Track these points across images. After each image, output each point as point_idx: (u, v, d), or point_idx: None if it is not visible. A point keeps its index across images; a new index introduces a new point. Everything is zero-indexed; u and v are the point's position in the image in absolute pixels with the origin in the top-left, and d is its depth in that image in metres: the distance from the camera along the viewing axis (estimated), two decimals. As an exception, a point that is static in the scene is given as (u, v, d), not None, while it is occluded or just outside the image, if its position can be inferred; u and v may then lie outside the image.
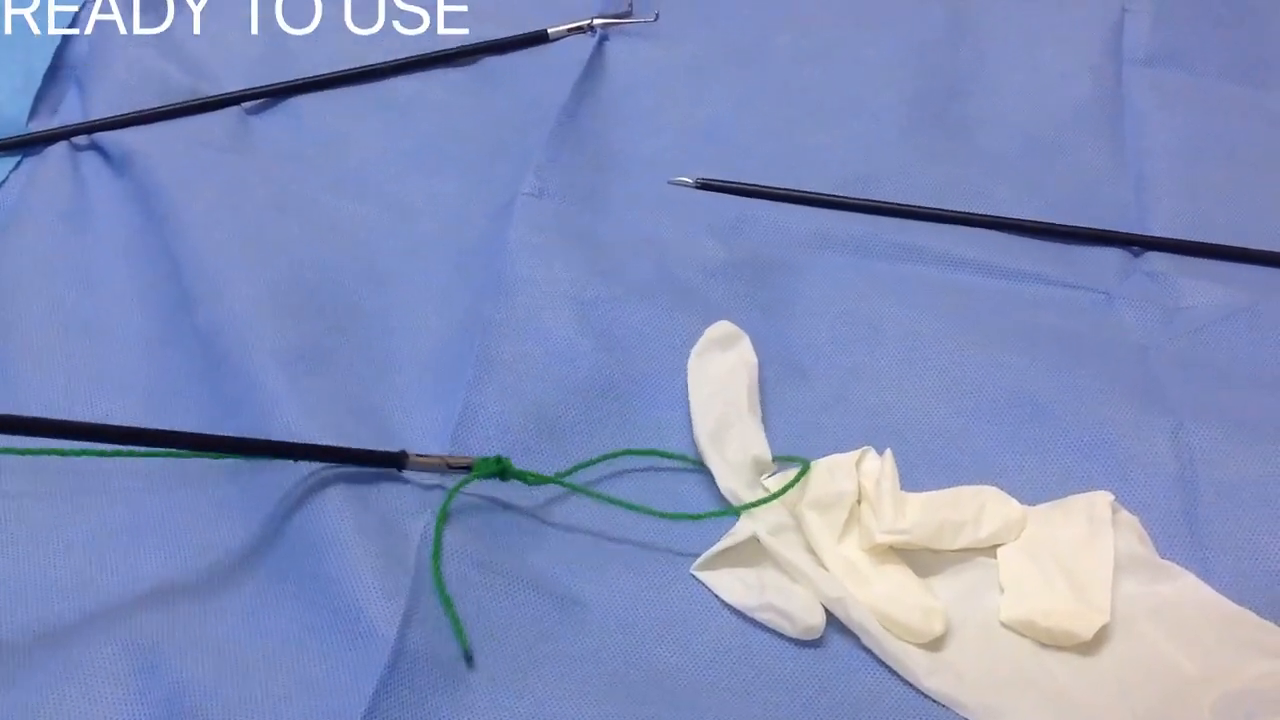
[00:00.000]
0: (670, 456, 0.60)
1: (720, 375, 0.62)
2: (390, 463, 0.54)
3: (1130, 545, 0.56)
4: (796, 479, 0.57)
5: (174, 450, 0.53)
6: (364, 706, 0.47)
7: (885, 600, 0.53)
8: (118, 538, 0.55)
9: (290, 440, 0.55)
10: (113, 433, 0.50)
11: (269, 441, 0.54)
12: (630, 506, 0.56)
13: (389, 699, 0.47)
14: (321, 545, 0.52)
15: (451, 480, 0.56)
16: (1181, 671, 0.52)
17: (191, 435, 0.52)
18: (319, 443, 0.55)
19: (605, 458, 0.58)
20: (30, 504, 0.56)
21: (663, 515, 0.56)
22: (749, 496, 0.57)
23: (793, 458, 0.59)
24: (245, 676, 0.49)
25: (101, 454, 0.52)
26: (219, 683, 0.48)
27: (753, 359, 0.63)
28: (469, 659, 0.50)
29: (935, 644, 0.53)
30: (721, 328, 0.63)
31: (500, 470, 0.55)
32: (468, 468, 0.55)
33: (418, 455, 0.55)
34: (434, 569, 0.51)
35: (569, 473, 0.57)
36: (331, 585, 0.51)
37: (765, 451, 0.59)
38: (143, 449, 0.51)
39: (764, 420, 0.61)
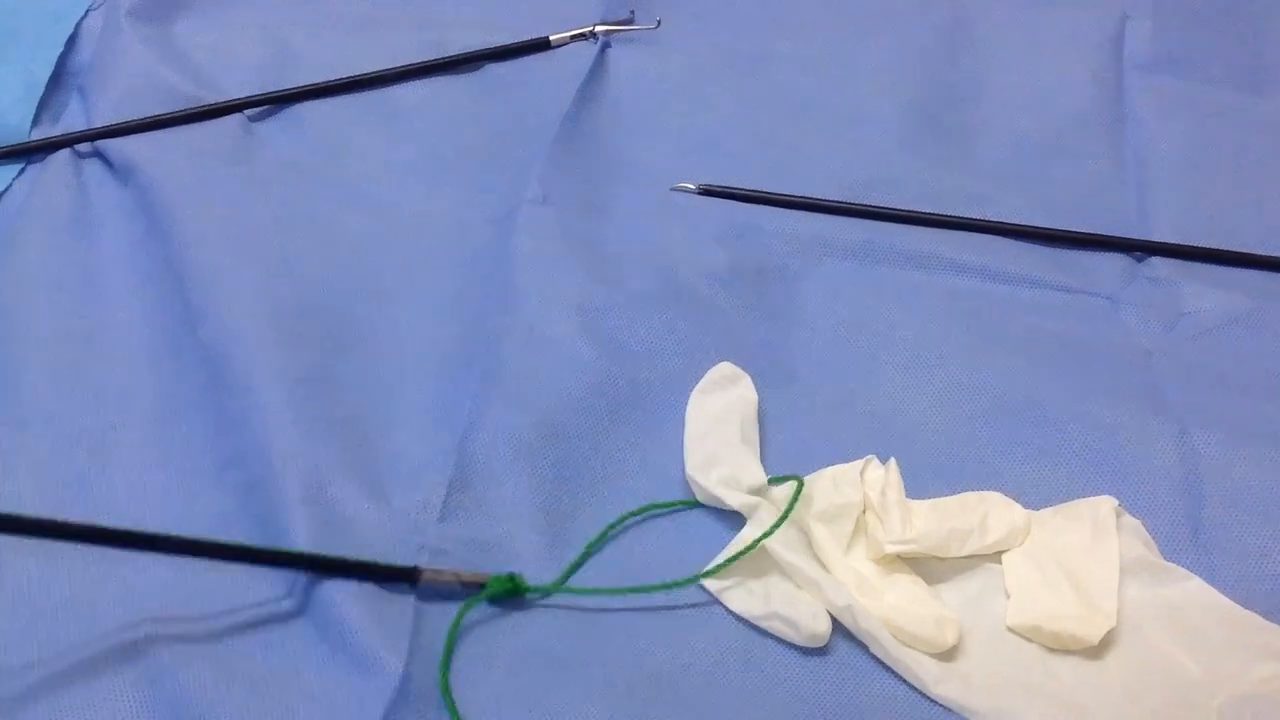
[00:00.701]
0: (668, 506, 0.59)
1: (716, 413, 0.61)
2: (404, 578, 0.53)
3: (1135, 549, 0.56)
4: (794, 497, 0.57)
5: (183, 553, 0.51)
6: (375, 722, 0.47)
7: (897, 611, 0.53)
8: (121, 552, 0.55)
9: (288, 456, 0.56)
10: (118, 536, 0.49)
11: (282, 551, 0.53)
12: (644, 589, 0.55)
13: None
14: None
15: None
16: (1188, 675, 0.52)
17: (198, 542, 0.51)
18: (323, 459, 0.55)
19: (604, 536, 0.57)
20: (33, 513, 0.56)
21: (667, 587, 0.55)
22: (754, 504, 0.57)
23: (787, 477, 0.58)
24: (251, 690, 0.49)
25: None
26: (224, 696, 0.48)
27: (752, 397, 0.62)
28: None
29: (944, 652, 0.53)
30: (724, 369, 0.63)
31: (512, 588, 0.53)
32: (481, 585, 0.53)
33: (431, 570, 0.53)
34: (442, 673, 0.50)
35: (572, 571, 0.55)
36: (338, 608, 0.51)
37: (758, 477, 0.58)
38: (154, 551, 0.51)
39: (764, 431, 0.61)
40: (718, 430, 0.60)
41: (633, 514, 0.58)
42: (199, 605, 0.52)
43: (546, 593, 0.54)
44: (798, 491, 0.57)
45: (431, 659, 0.50)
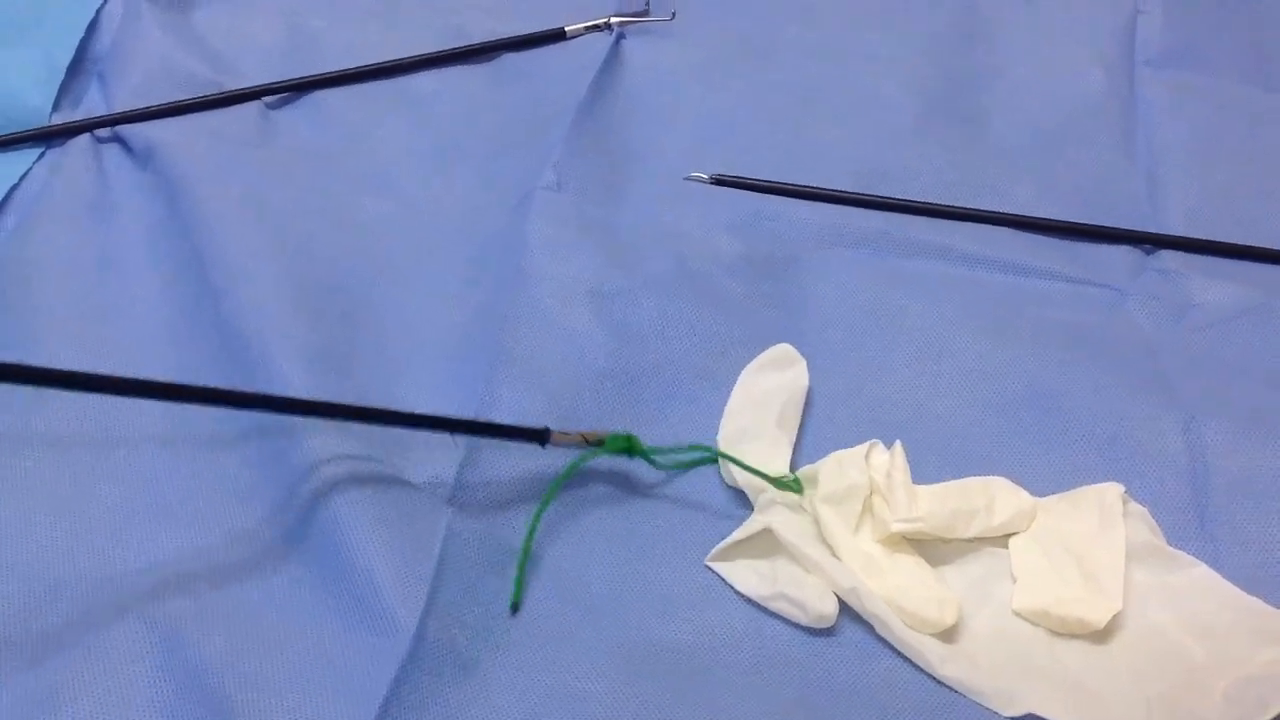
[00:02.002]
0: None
1: (760, 393, 0.62)
2: (534, 438, 0.56)
3: (1141, 535, 0.56)
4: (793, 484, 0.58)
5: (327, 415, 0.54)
6: (386, 688, 0.48)
7: (899, 591, 0.54)
8: (140, 518, 0.56)
9: (304, 430, 0.56)
10: (239, 398, 0.50)
11: (420, 415, 0.55)
12: (747, 467, 0.58)
13: (410, 682, 0.48)
14: (342, 533, 0.53)
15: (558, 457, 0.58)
16: (1193, 658, 0.52)
17: (338, 406, 0.53)
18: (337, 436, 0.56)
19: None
20: (52, 485, 0.57)
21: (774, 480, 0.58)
22: (760, 486, 0.58)
23: (788, 482, 0.59)
24: (266, 656, 0.49)
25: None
26: (240, 661, 0.49)
27: (802, 383, 0.62)
28: (515, 608, 0.53)
29: (949, 633, 0.54)
30: (782, 350, 0.63)
31: (628, 447, 0.58)
32: (600, 442, 0.57)
33: (559, 432, 0.57)
34: (535, 516, 0.55)
35: (681, 450, 0.59)
36: (352, 571, 0.52)
37: (779, 464, 0.59)
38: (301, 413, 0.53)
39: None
40: (756, 410, 0.61)
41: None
42: (214, 569, 0.53)
43: (654, 462, 0.58)
44: (790, 485, 0.58)
45: (447, 618, 0.51)
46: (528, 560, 0.55)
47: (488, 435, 0.57)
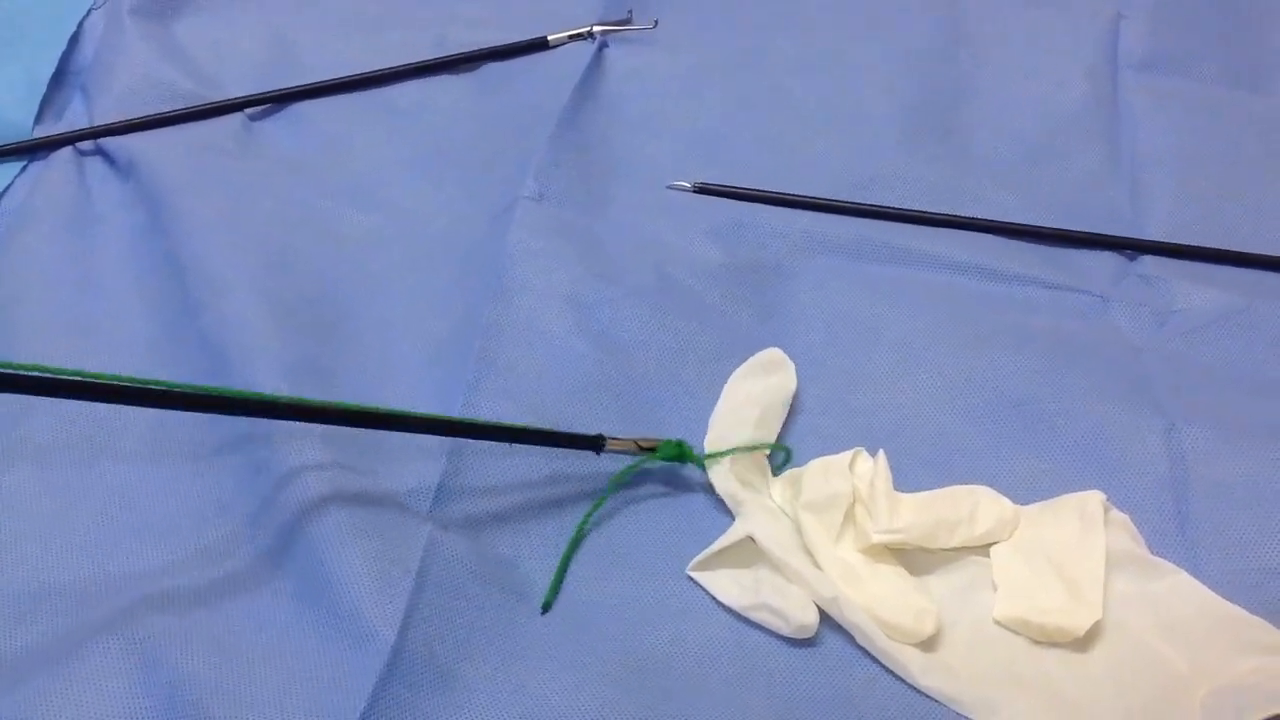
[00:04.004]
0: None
1: (743, 398, 0.62)
2: (589, 445, 0.57)
3: (1122, 543, 0.56)
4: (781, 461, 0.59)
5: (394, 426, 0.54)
6: (364, 702, 0.48)
7: (877, 601, 0.54)
8: (121, 536, 0.56)
9: (285, 440, 0.56)
10: (284, 408, 0.50)
11: (473, 423, 0.56)
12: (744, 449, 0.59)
13: (388, 695, 0.48)
14: (321, 545, 0.53)
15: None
16: (1173, 667, 0.53)
17: (393, 414, 0.53)
18: (319, 446, 0.56)
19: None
20: (34, 502, 0.57)
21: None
22: (743, 497, 0.58)
23: (779, 446, 0.60)
24: (246, 671, 0.49)
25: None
26: (220, 677, 0.49)
27: (789, 386, 0.63)
28: (546, 608, 0.54)
29: (929, 643, 0.54)
30: (769, 355, 0.64)
31: (679, 454, 0.59)
32: (653, 449, 0.58)
33: (612, 439, 0.58)
34: (581, 525, 0.57)
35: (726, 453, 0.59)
36: (331, 585, 0.52)
37: (759, 471, 0.60)
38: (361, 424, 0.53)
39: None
40: (738, 414, 0.61)
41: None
42: (193, 583, 0.53)
43: (704, 466, 0.59)
44: (783, 460, 0.58)
45: (425, 630, 0.51)
46: (564, 570, 0.56)
47: (543, 444, 0.57)
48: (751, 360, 0.64)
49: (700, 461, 0.59)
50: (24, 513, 0.56)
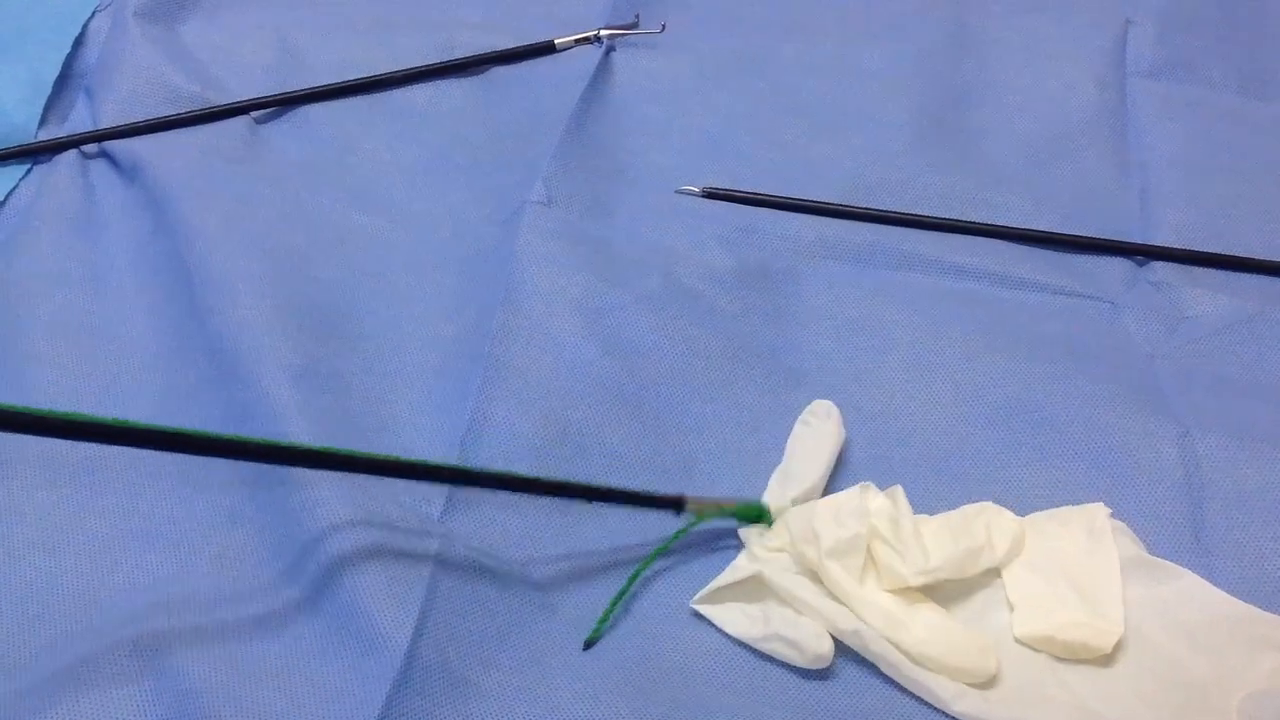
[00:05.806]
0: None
1: (814, 447, 0.60)
2: (670, 506, 0.56)
3: (1127, 548, 0.56)
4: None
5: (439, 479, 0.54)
6: (377, 710, 0.47)
7: (931, 644, 0.52)
8: (130, 544, 0.55)
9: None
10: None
11: (550, 481, 0.54)
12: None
13: (401, 703, 0.48)
14: (333, 555, 0.52)
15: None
16: (1196, 674, 0.52)
17: (448, 468, 0.53)
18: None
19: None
20: (42, 511, 0.56)
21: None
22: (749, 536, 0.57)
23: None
24: (257, 681, 0.49)
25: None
26: (230, 687, 0.48)
27: (840, 435, 0.61)
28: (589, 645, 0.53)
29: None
30: (822, 405, 0.62)
31: (759, 516, 0.57)
32: (734, 513, 0.57)
33: (694, 499, 0.56)
34: (639, 570, 0.55)
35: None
36: (343, 592, 0.51)
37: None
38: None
39: (763, 434, 0.62)
40: (805, 463, 0.60)
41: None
42: (203, 594, 0.53)
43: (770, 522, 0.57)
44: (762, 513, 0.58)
45: (438, 637, 0.50)
46: (621, 601, 0.55)
47: (622, 503, 0.55)
48: (809, 410, 0.62)
49: (770, 520, 0.57)
50: (31, 522, 0.56)
